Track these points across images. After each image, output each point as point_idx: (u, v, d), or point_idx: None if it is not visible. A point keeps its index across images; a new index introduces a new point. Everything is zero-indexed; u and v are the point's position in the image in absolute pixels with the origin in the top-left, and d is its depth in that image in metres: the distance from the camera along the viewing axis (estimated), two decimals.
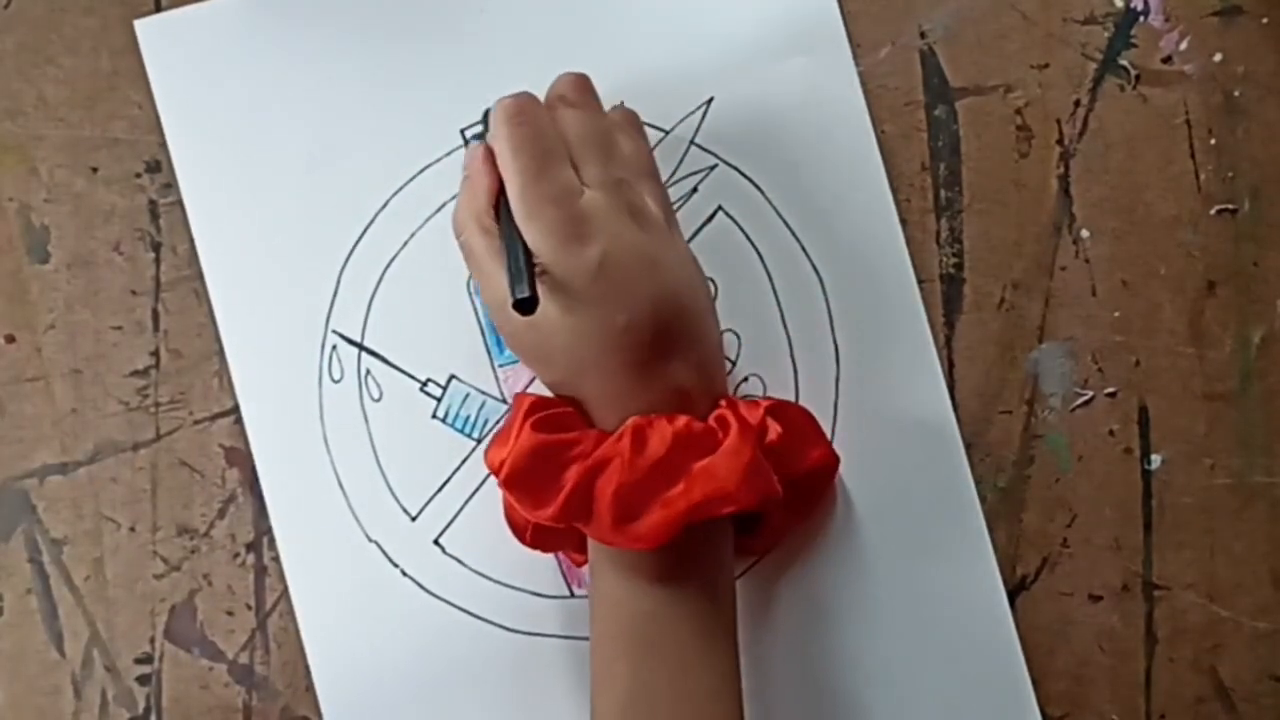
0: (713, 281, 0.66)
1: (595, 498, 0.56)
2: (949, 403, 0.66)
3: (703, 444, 0.57)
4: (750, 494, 0.56)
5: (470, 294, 0.66)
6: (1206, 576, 0.66)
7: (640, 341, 0.57)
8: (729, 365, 0.66)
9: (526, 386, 0.66)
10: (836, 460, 0.64)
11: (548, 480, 0.56)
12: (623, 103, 0.64)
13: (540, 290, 0.55)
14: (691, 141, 0.67)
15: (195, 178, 0.66)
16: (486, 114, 0.61)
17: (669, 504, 0.55)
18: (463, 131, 0.66)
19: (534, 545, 0.62)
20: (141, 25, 0.66)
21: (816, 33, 0.67)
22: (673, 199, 0.66)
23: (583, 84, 0.62)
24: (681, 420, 0.57)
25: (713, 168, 0.67)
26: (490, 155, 0.59)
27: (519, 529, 0.61)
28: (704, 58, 0.67)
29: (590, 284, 0.56)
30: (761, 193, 0.66)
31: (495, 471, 0.58)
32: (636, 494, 0.56)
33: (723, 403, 0.59)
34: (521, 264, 0.55)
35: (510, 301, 0.54)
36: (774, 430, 0.59)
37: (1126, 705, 0.66)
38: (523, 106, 0.59)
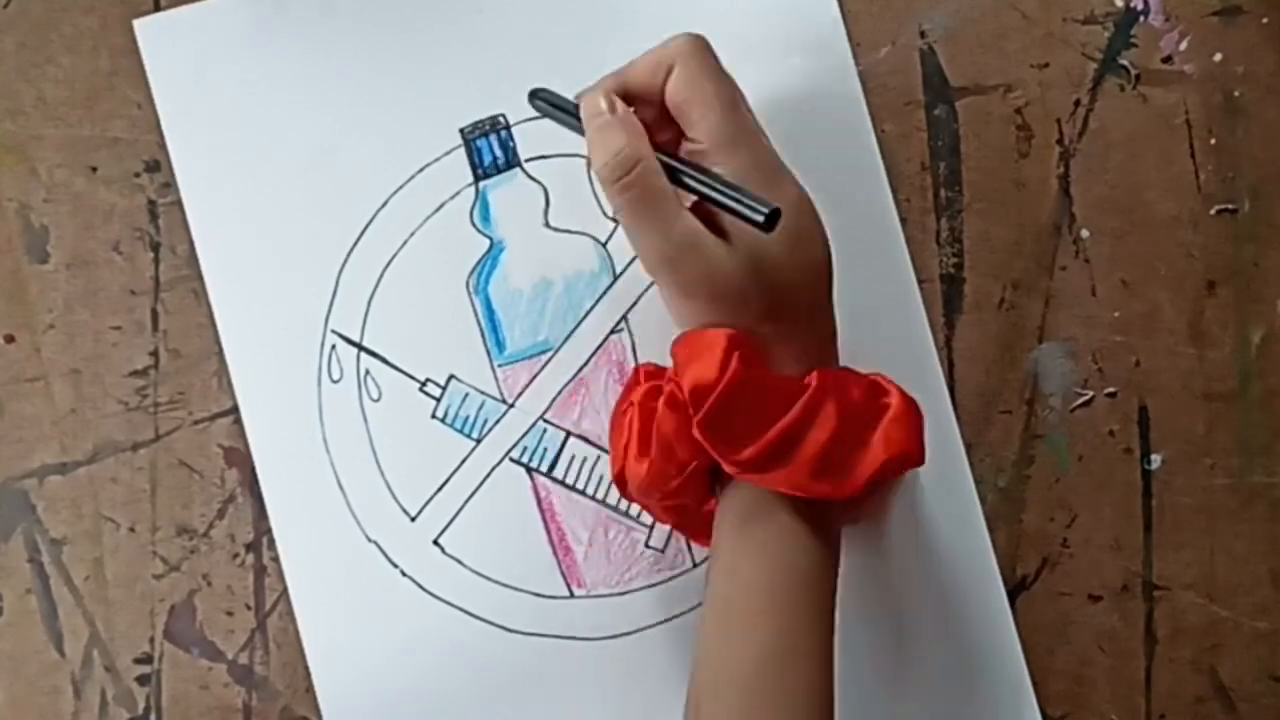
0: None
1: (803, 444, 0.56)
2: (949, 403, 0.66)
3: (877, 403, 0.58)
4: (921, 457, 0.58)
5: (469, 293, 0.66)
6: (1206, 576, 0.66)
7: (824, 277, 0.59)
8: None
9: (526, 387, 0.66)
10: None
11: (752, 419, 0.56)
12: None
13: (739, 228, 0.55)
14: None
15: (194, 177, 0.66)
16: (549, 100, 0.61)
17: (865, 460, 0.56)
18: (462, 131, 0.66)
19: (663, 495, 0.59)
20: (141, 25, 0.66)
21: (816, 32, 0.67)
22: None
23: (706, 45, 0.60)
24: (866, 377, 0.59)
25: None
26: (613, 98, 0.58)
27: (653, 477, 0.58)
28: None
29: (794, 220, 0.57)
30: None
31: (697, 398, 0.55)
32: (840, 447, 0.56)
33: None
34: (736, 187, 0.55)
35: (715, 238, 0.55)
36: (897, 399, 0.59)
37: (1126, 705, 0.66)
38: (705, 43, 0.59)
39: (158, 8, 0.67)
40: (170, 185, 0.66)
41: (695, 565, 0.66)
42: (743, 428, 0.55)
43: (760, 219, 0.53)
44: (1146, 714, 0.66)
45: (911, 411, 0.58)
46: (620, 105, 0.58)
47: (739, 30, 0.67)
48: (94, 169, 0.66)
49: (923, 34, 0.68)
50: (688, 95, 0.57)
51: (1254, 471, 0.67)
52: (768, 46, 0.67)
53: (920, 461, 0.58)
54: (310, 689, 0.65)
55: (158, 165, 0.66)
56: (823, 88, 0.67)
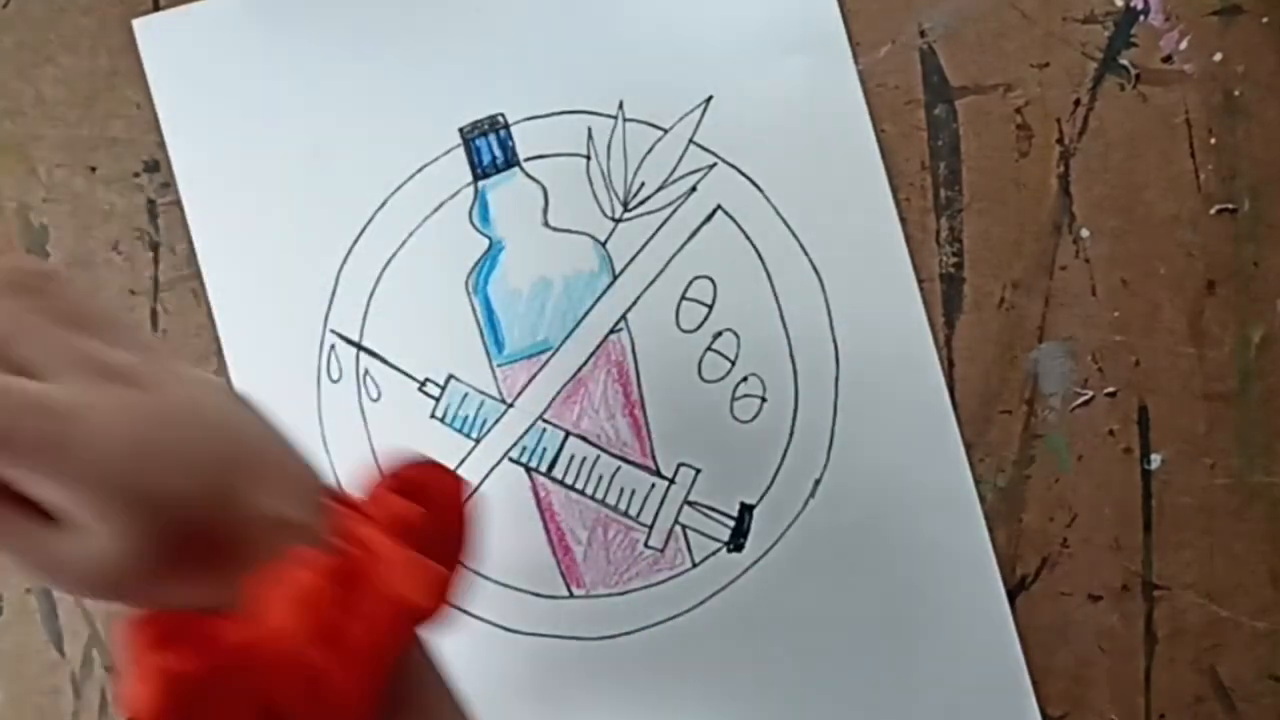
0: (711, 280, 0.66)
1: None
2: (949, 403, 0.66)
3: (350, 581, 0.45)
4: (432, 598, 0.47)
5: (468, 293, 0.66)
6: (1206, 576, 0.66)
7: (202, 505, 0.44)
8: (728, 365, 0.66)
9: (525, 386, 0.66)
10: (464, 490, 0.53)
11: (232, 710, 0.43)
12: None
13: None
14: (690, 140, 0.67)
15: (194, 177, 0.66)
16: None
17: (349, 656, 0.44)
18: (461, 130, 0.66)
19: None
20: (140, 24, 0.66)
21: (816, 31, 0.67)
22: (672, 198, 0.66)
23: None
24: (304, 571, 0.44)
25: (712, 166, 0.66)
26: None
27: None
28: (703, 56, 0.67)
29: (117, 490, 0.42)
30: (760, 191, 0.66)
31: None
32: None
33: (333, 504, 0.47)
34: None
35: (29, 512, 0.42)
36: (414, 511, 0.48)
37: (1126, 705, 0.66)
38: None
39: (157, 7, 0.67)
40: (169, 185, 0.66)
41: (695, 565, 0.66)
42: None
43: None
44: (1146, 714, 0.66)
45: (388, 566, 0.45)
46: None
47: (738, 29, 0.67)
48: (93, 169, 0.66)
49: (923, 33, 0.68)
50: None
51: (1254, 471, 0.67)
52: (767, 45, 0.67)
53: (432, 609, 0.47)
54: None
55: (157, 165, 0.66)
56: (822, 86, 0.67)
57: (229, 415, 0.47)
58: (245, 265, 0.66)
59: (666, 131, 0.67)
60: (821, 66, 0.67)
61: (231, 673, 0.43)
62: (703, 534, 0.66)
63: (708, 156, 0.67)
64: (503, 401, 0.66)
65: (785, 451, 0.66)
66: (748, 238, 0.66)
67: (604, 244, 0.66)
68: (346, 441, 0.66)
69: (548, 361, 0.66)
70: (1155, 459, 0.67)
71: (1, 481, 0.42)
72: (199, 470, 0.44)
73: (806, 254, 0.66)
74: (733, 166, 0.66)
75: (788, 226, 0.66)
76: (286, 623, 0.44)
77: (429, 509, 0.48)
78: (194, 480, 0.43)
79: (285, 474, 0.47)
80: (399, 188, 0.66)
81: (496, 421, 0.66)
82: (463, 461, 0.65)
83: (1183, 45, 0.68)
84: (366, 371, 0.66)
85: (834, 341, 0.66)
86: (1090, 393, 0.67)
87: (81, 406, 0.42)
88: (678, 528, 0.66)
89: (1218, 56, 0.68)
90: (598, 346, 0.66)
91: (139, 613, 0.44)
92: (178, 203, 0.66)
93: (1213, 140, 0.67)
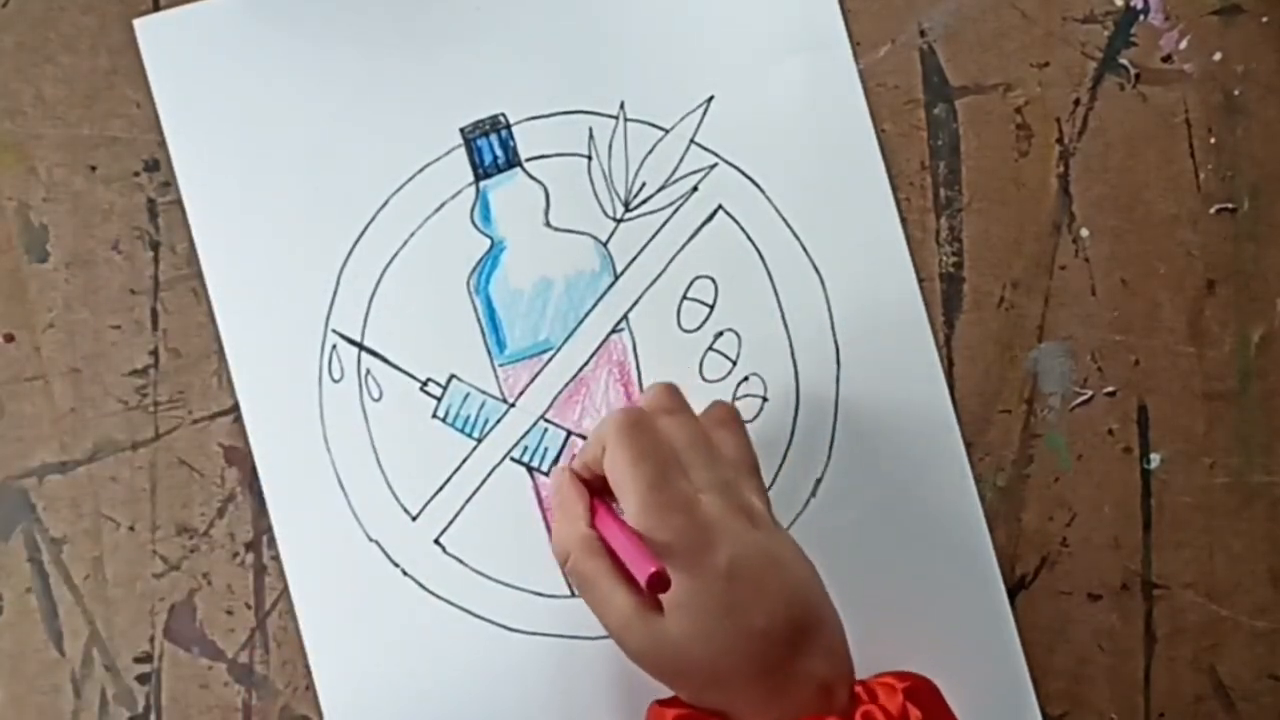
0: (712, 280, 0.66)
1: None
2: (949, 402, 0.66)
3: None
4: None
5: (470, 293, 0.66)
6: (1205, 575, 0.67)
7: (778, 641, 0.55)
8: (729, 365, 0.66)
9: (526, 386, 0.66)
10: None
11: None
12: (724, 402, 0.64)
13: (672, 601, 0.55)
14: (691, 140, 0.67)
15: (195, 177, 0.66)
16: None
17: None
18: (462, 130, 0.66)
19: None
20: (141, 24, 0.66)
21: (817, 31, 0.67)
22: (673, 198, 0.66)
23: (675, 390, 0.61)
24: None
25: (713, 166, 0.67)
26: (577, 478, 0.60)
27: None
28: (704, 56, 0.67)
29: (723, 591, 0.55)
30: (762, 191, 0.67)
31: None
32: None
33: (860, 693, 0.57)
34: (642, 548, 0.54)
35: (648, 619, 0.55)
36: (914, 716, 0.57)
37: (1126, 704, 0.66)
38: (635, 419, 0.58)
39: (157, 7, 0.67)
40: (169, 184, 0.66)
41: None
42: None
43: (641, 582, 0.54)
44: (1145, 713, 0.66)
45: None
46: (566, 486, 0.61)
47: (739, 29, 0.67)
48: (93, 168, 0.66)
49: (922, 33, 0.68)
50: (613, 478, 0.58)
51: (1253, 470, 0.67)
52: (768, 45, 0.67)
53: None
54: (310, 688, 0.65)
55: (157, 164, 0.66)
56: (823, 86, 0.67)
57: (809, 574, 0.58)
58: (247, 265, 0.66)
59: (668, 131, 0.67)
60: (823, 66, 0.67)
61: None
62: None
63: (709, 156, 0.67)
64: (504, 401, 0.66)
65: (786, 451, 0.66)
66: (749, 238, 0.66)
67: (605, 244, 0.66)
68: (348, 441, 0.66)
69: (549, 361, 0.66)
70: (1155, 458, 0.67)
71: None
72: (782, 618, 0.55)
73: (807, 254, 0.66)
74: (734, 166, 0.67)
75: (789, 226, 0.66)
76: None
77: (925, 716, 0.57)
78: (775, 622, 0.55)
79: (834, 644, 0.58)
80: (400, 187, 0.66)
81: (498, 421, 0.66)
82: (464, 461, 0.65)
83: (1182, 45, 0.68)
84: (368, 371, 0.66)
85: (835, 341, 0.66)
86: (1090, 392, 0.67)
87: (717, 525, 0.56)
88: None
89: (1217, 56, 0.68)
90: (599, 346, 0.66)
91: (669, 694, 0.58)
92: (178, 202, 0.66)
93: (1212, 140, 0.68)
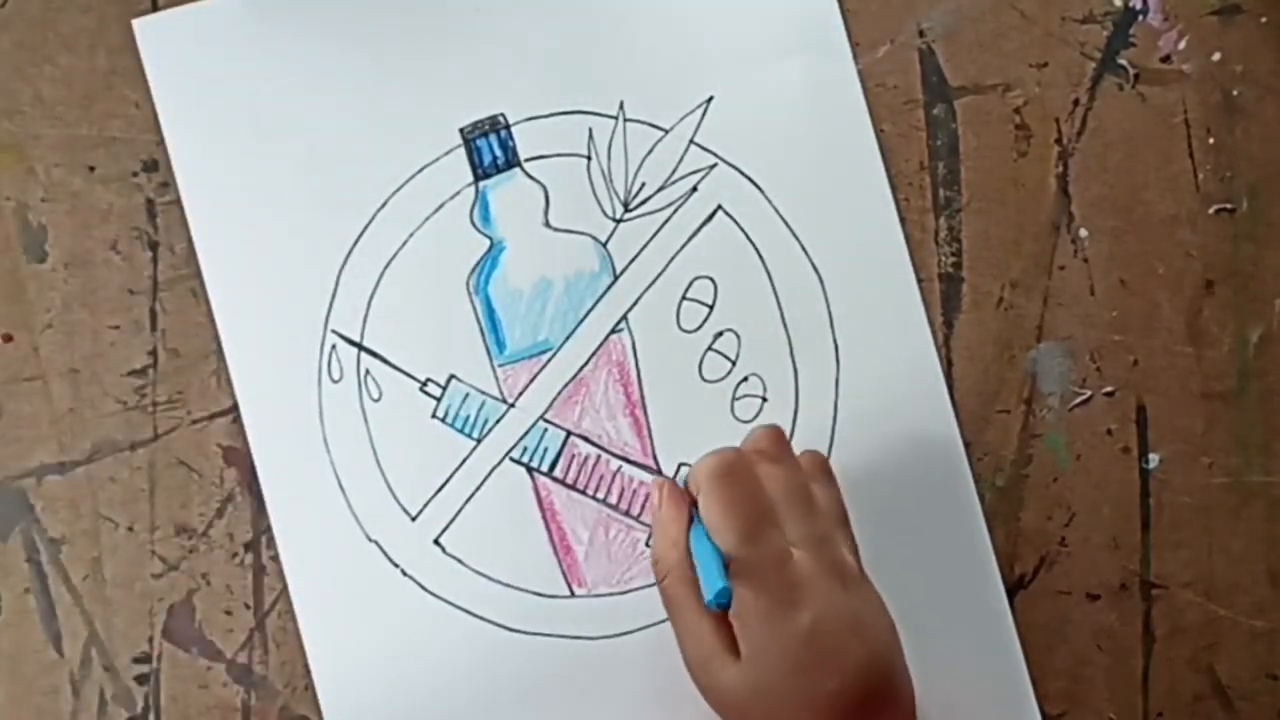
0: (712, 281, 0.66)
1: None
2: (949, 402, 0.66)
3: None
4: None
5: (469, 293, 0.66)
6: (1204, 575, 0.67)
7: (848, 708, 0.56)
8: (729, 365, 0.66)
9: (526, 387, 0.66)
10: None
11: None
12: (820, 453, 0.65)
13: (749, 651, 0.55)
14: (691, 140, 0.67)
15: (194, 177, 0.66)
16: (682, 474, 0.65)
17: None
18: (462, 131, 0.66)
19: None
20: (139, 25, 0.66)
21: (816, 31, 0.67)
22: (672, 198, 0.66)
23: (781, 437, 0.61)
24: None
25: (712, 167, 0.67)
26: (677, 494, 0.61)
27: None
28: (704, 56, 0.67)
29: (802, 651, 0.55)
30: (761, 192, 0.67)
31: None
32: None
33: None
34: (719, 568, 0.55)
35: (726, 658, 0.56)
36: None
37: (1124, 704, 0.66)
38: (731, 464, 0.58)
39: (155, 7, 0.67)
40: (168, 185, 0.66)
41: None
42: None
43: (705, 599, 0.54)
44: (1144, 712, 0.66)
45: None
46: (668, 502, 0.61)
47: (739, 29, 0.67)
48: (92, 168, 0.66)
49: (921, 33, 0.68)
50: (707, 521, 0.58)
51: (1252, 470, 0.67)
52: (767, 45, 0.67)
53: None
54: (309, 688, 0.65)
55: (156, 165, 0.66)
56: (822, 87, 0.67)
57: (890, 641, 0.58)
58: (246, 266, 0.66)
59: (667, 132, 0.67)
60: (822, 67, 0.67)
61: None
62: None
63: (708, 157, 0.67)
64: (504, 401, 0.66)
65: None
66: (748, 238, 0.66)
67: (605, 244, 0.66)
68: (347, 442, 0.66)
69: (549, 361, 0.66)
70: (1153, 458, 0.67)
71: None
72: (855, 685, 0.55)
73: (807, 254, 0.66)
74: (733, 167, 0.67)
75: (788, 227, 0.66)
76: None
77: None
78: (848, 688, 0.55)
79: (908, 712, 0.58)
80: (400, 188, 0.66)
81: (498, 422, 0.66)
82: (464, 462, 0.65)
83: (1181, 45, 0.68)
84: (367, 372, 0.66)
85: (834, 341, 0.66)
86: (1089, 392, 0.67)
87: (806, 583, 0.56)
88: None
89: (1216, 56, 0.68)
90: (599, 346, 0.66)
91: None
92: (177, 202, 0.66)
93: (1211, 140, 0.68)
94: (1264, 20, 0.68)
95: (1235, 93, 0.68)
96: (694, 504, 0.60)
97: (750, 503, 0.57)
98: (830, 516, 0.60)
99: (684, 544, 0.59)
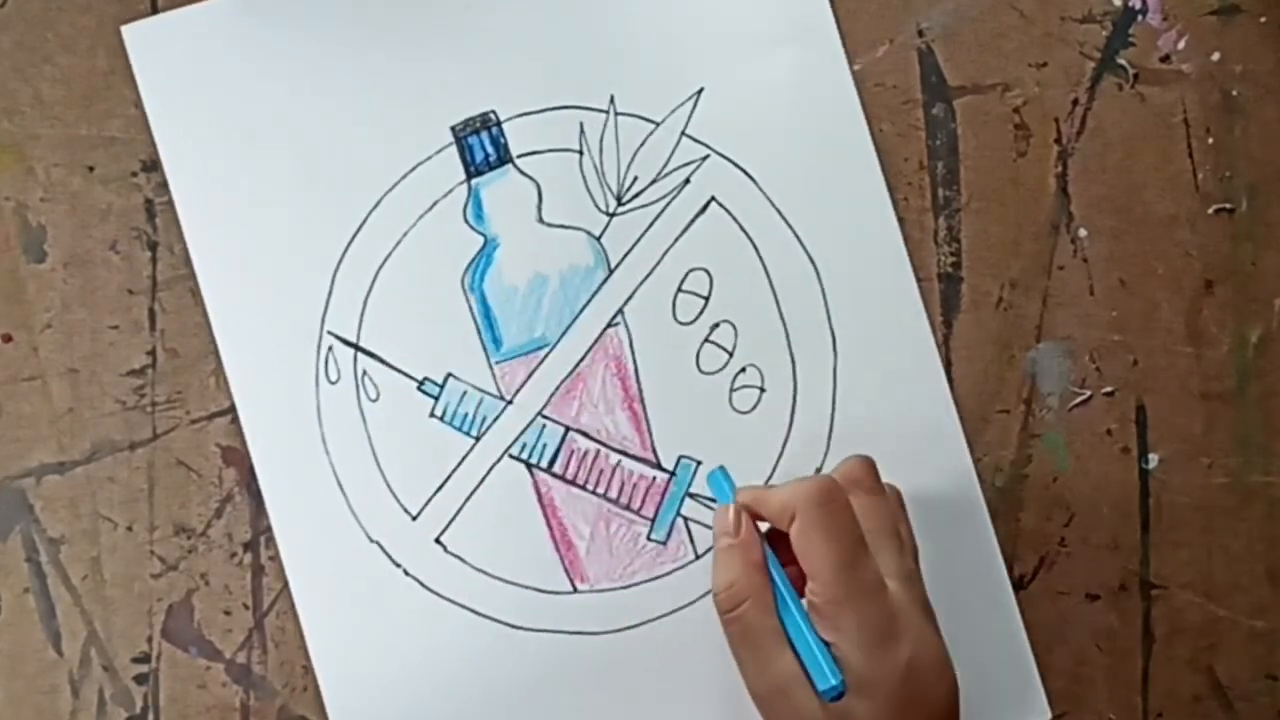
0: (707, 272, 0.66)
1: None
2: (950, 401, 0.66)
3: None
4: None
5: (464, 291, 0.66)
6: (1204, 575, 0.66)
7: None
8: (726, 356, 0.66)
9: (523, 383, 0.66)
10: None
11: None
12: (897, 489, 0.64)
13: (851, 683, 0.55)
14: (683, 133, 0.67)
15: (187, 181, 0.66)
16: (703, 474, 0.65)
17: None
18: (453, 128, 0.66)
19: None
20: (129, 31, 0.66)
21: (805, 22, 0.67)
22: (665, 191, 0.67)
23: (874, 469, 0.60)
24: None
25: (704, 158, 0.67)
26: (741, 518, 0.59)
27: None
28: (693, 48, 0.67)
29: (898, 686, 0.55)
30: (754, 182, 0.67)
31: None
32: None
33: None
34: (822, 650, 0.55)
35: (811, 689, 0.55)
36: None
37: (1124, 704, 0.66)
38: (831, 492, 0.57)
39: (154, 8, 0.67)
40: (167, 184, 0.66)
41: (698, 557, 0.66)
42: None
43: (819, 688, 0.55)
44: (1144, 713, 0.66)
45: None
46: (746, 527, 0.59)
47: (729, 21, 0.67)
48: (91, 168, 0.66)
49: (921, 33, 0.68)
50: (802, 549, 0.57)
51: (1251, 471, 0.67)
52: (758, 37, 0.67)
53: None
54: (308, 688, 0.65)
55: (155, 165, 0.66)
56: (813, 77, 0.67)
57: (956, 684, 0.58)
58: (241, 269, 0.66)
59: (658, 124, 0.67)
60: (811, 57, 0.67)
61: None
62: (705, 526, 0.66)
63: (700, 149, 0.67)
64: (502, 398, 0.66)
65: (785, 441, 0.66)
66: (742, 229, 0.66)
67: (599, 238, 0.66)
68: (346, 443, 0.66)
69: (546, 357, 0.66)
70: (1153, 458, 0.67)
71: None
72: (955, 708, 0.57)
73: (801, 243, 0.66)
74: (725, 158, 0.67)
75: (782, 217, 0.66)
76: None
77: None
78: (949, 714, 0.57)
79: None
80: (392, 187, 0.66)
81: (496, 419, 0.66)
82: (463, 460, 0.65)
83: (1181, 45, 0.68)
84: (365, 372, 0.66)
85: (831, 331, 0.66)
86: (1088, 392, 0.67)
87: (902, 617, 0.56)
88: (680, 520, 0.66)
89: (1216, 56, 0.68)
90: (595, 341, 0.66)
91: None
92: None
93: (1210, 140, 0.68)
94: (1263, 20, 0.68)
95: (1234, 93, 0.68)
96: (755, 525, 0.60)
97: (848, 532, 0.57)
98: (913, 552, 0.60)
99: (766, 568, 0.58)
